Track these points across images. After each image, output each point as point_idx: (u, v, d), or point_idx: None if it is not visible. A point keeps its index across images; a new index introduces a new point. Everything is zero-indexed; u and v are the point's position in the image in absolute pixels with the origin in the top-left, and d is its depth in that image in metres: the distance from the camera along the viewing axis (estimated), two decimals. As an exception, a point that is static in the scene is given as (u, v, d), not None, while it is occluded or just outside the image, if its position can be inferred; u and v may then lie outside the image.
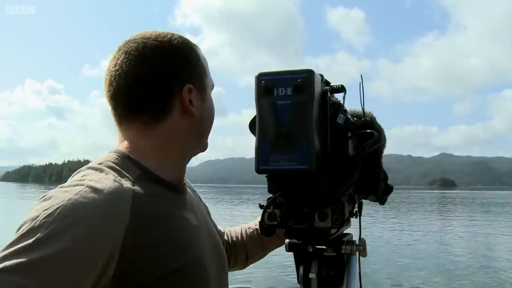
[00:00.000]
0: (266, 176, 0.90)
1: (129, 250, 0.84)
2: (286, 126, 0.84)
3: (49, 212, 0.78)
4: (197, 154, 1.12)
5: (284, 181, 0.89)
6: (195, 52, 1.07)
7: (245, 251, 1.40)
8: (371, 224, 20.63)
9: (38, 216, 0.78)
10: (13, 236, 0.77)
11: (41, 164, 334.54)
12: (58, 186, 0.88)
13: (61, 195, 0.83)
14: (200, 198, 1.25)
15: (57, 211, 0.79)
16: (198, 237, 1.02)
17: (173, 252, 0.92)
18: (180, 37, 1.06)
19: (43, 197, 0.85)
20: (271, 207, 0.92)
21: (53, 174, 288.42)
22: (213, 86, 1.11)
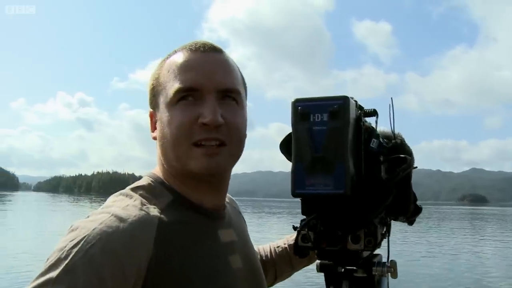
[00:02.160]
0: (301, 198, 0.92)
1: (153, 279, 0.86)
2: (322, 151, 0.85)
3: (74, 242, 0.81)
4: (196, 176, 0.99)
5: (318, 204, 0.90)
6: (160, 69, 1.05)
7: (274, 269, 1.41)
8: (398, 242, 20.28)
9: (65, 247, 0.81)
10: (42, 267, 0.80)
11: (71, 175, 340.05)
12: (86, 216, 0.91)
13: (86, 225, 0.85)
14: (241, 217, 1.25)
15: (82, 241, 0.81)
16: (227, 266, 1.00)
17: (198, 282, 0.92)
18: (169, 53, 1.06)
19: (71, 227, 0.87)
20: (306, 229, 0.94)
21: (82, 185, 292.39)
22: (178, 90, 0.97)
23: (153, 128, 1.05)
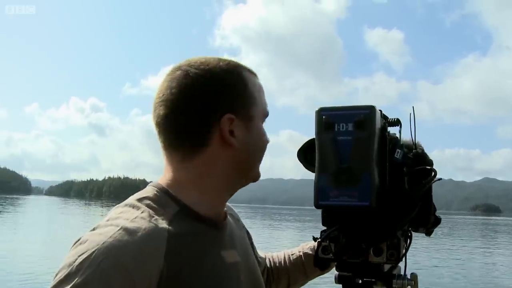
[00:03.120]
0: (323, 210, 0.90)
1: None
2: (346, 162, 0.84)
3: (84, 257, 0.80)
4: (246, 185, 1.07)
5: (341, 215, 0.89)
6: (243, 79, 1.02)
7: (287, 277, 1.40)
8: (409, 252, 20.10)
9: (74, 262, 0.79)
10: (52, 282, 0.79)
11: (83, 179, 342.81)
12: (91, 228, 0.89)
13: (95, 238, 0.83)
14: (242, 226, 1.23)
15: (92, 256, 0.80)
16: (233, 278, 1.00)
17: None
18: (228, 63, 1.03)
19: (78, 240, 0.86)
20: (327, 240, 0.92)
21: (93, 190, 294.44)
22: (266, 114, 1.06)
23: (223, 131, 0.98)
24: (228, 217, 1.11)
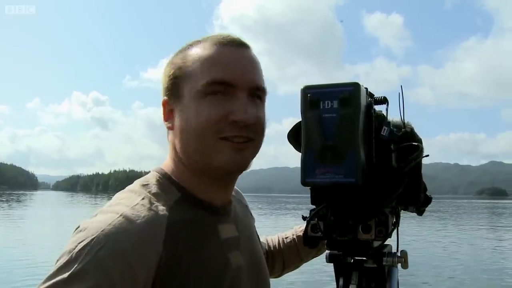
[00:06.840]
0: (310, 188, 0.91)
1: (161, 280, 0.86)
2: (332, 139, 0.84)
3: (83, 244, 0.80)
4: (213, 174, 0.99)
5: (328, 193, 0.89)
6: (173, 61, 1.03)
7: (282, 260, 1.41)
8: (412, 234, 20.13)
9: (74, 249, 0.80)
10: (52, 268, 0.80)
11: (89, 173, 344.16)
12: (94, 214, 0.90)
13: (94, 225, 0.84)
14: (247, 211, 1.24)
15: (91, 243, 0.80)
16: (232, 265, 1.00)
17: (204, 283, 0.92)
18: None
19: (78, 227, 0.87)
20: (315, 219, 0.93)
21: (100, 184, 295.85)
22: (209, 83, 0.95)
23: (166, 117, 1.02)
24: (234, 202, 1.12)
